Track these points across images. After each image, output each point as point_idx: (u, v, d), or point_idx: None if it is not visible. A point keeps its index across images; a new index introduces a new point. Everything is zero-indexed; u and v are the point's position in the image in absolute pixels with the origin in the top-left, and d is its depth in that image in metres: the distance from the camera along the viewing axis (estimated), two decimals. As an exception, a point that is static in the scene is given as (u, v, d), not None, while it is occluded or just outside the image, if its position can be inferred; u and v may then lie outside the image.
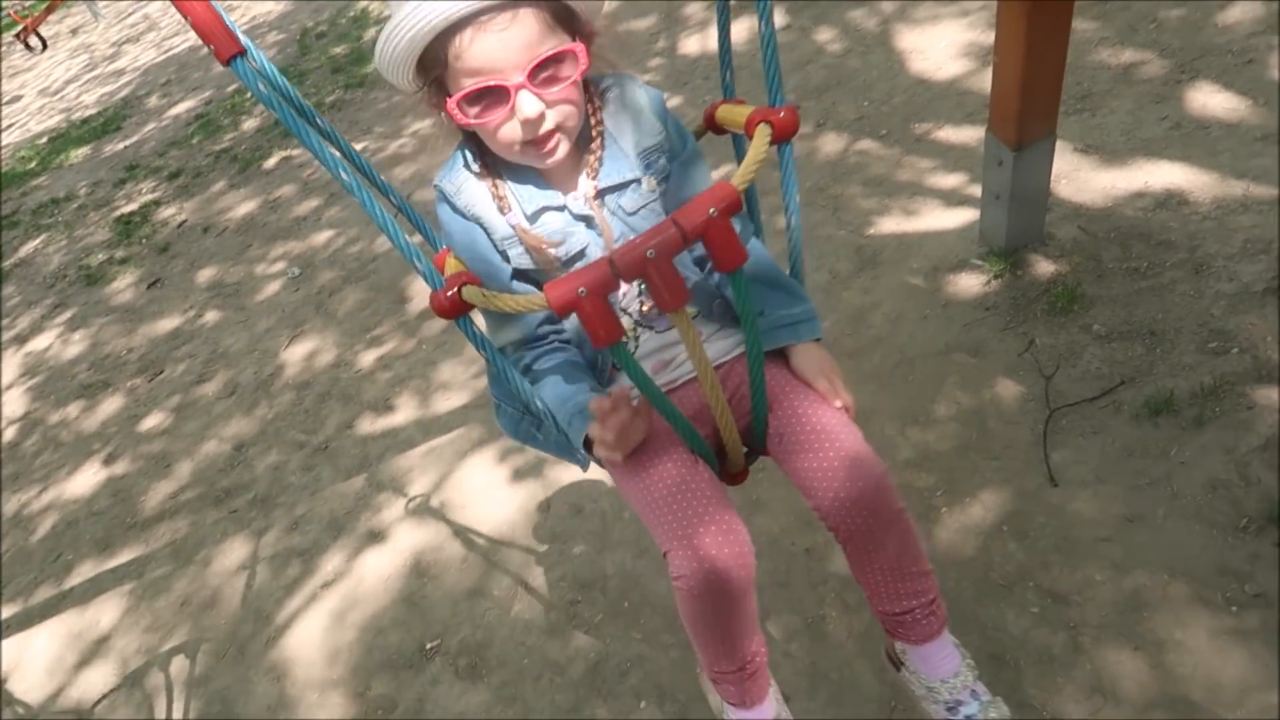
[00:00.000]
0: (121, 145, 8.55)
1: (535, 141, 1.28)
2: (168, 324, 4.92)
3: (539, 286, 1.38)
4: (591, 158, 1.40)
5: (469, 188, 1.38)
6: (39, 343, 5.33)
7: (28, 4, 22.41)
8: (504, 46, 1.19)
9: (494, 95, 1.23)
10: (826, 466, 1.35)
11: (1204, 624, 1.92)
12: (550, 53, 1.22)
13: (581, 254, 1.39)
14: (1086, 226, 2.93)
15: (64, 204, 7.55)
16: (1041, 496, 2.27)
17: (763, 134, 1.24)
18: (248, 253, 5.29)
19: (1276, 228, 2.65)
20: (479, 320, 1.32)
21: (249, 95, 8.11)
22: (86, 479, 3.91)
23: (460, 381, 3.51)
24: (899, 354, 2.81)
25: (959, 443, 2.48)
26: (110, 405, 4.40)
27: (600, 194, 1.39)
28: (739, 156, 1.67)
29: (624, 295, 1.48)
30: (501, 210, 1.38)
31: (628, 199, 1.40)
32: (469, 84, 1.22)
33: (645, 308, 1.49)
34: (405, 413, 3.48)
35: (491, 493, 2.96)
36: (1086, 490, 2.25)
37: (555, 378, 1.41)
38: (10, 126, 11.54)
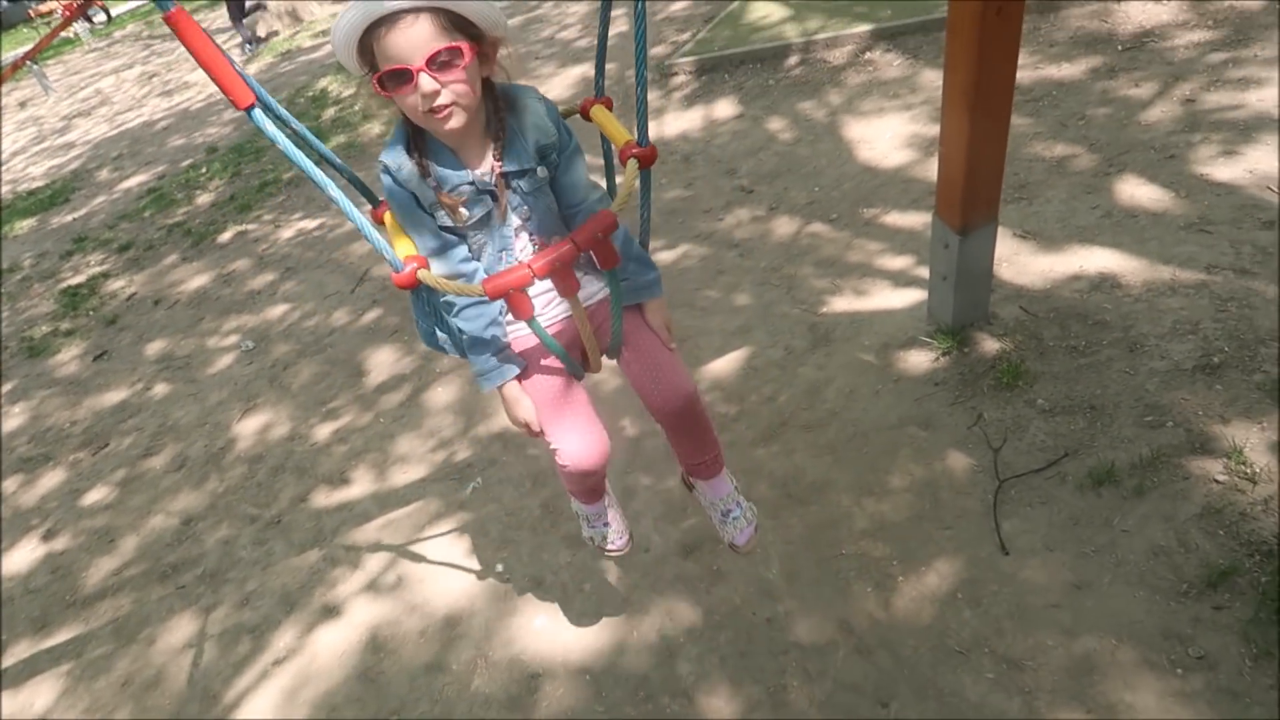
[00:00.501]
0: (70, 217, 8.47)
1: (433, 111, 1.64)
2: (114, 396, 4.83)
3: (457, 235, 1.85)
4: (497, 145, 1.79)
5: (406, 165, 1.77)
6: (-24, 415, 5.18)
7: (-25, 77, 22.22)
8: (408, 41, 1.58)
9: (402, 76, 1.60)
10: (658, 381, 1.95)
11: (1152, 687, 1.98)
12: (442, 47, 1.59)
13: (486, 218, 1.82)
14: (1028, 307, 3.08)
15: (7, 275, 7.42)
16: (994, 564, 2.34)
17: (633, 166, 1.66)
18: (199, 326, 5.25)
19: (1203, 310, 2.81)
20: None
21: (203, 170, 8.14)
22: (23, 555, 3.78)
23: (419, 455, 3.51)
24: (853, 427, 2.90)
25: (913, 513, 2.55)
26: (51, 479, 4.28)
27: (505, 175, 1.79)
28: (607, 168, 2.31)
29: (520, 253, 1.92)
30: (427, 183, 1.78)
31: (525, 182, 1.81)
32: (384, 67, 1.61)
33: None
34: (362, 486, 3.46)
35: (450, 566, 2.94)
36: (1036, 558, 2.32)
37: (471, 312, 1.87)
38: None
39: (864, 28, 5.51)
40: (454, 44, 1.59)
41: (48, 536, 3.85)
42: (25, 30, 32.47)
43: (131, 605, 3.29)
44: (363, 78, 1.69)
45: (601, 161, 2.25)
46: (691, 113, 5.62)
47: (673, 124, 5.53)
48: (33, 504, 4.13)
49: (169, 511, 3.72)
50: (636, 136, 1.65)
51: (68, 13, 19.76)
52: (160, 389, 4.74)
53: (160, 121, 11.03)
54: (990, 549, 2.39)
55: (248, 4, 14.51)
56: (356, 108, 8.32)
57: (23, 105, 16.90)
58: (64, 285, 6.65)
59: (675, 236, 4.34)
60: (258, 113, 1.34)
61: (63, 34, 21.75)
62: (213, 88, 11.76)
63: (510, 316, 1.96)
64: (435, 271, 1.84)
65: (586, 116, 1.96)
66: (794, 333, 3.42)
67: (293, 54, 12.11)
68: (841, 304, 3.48)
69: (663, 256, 4.20)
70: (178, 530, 3.58)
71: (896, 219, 3.86)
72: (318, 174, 1.43)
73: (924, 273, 3.41)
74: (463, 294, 1.63)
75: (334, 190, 1.47)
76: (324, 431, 3.86)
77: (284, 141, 1.38)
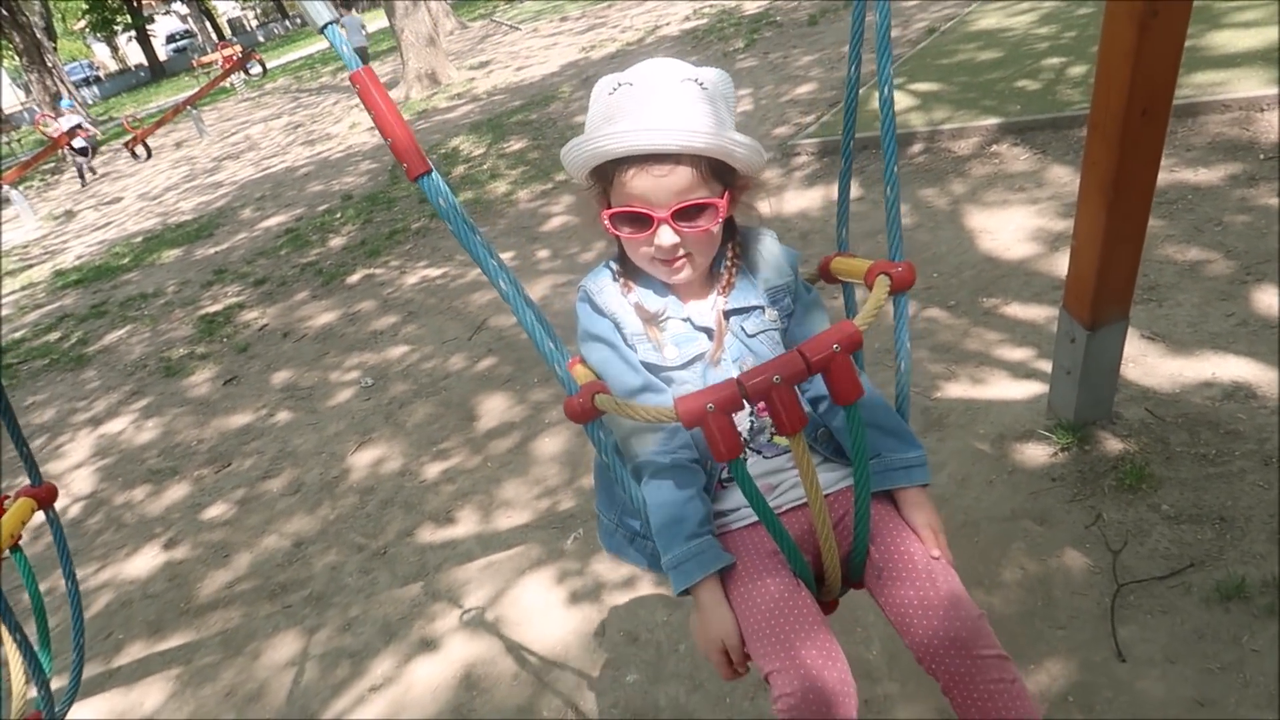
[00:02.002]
0: (212, 250, 9.05)
1: (666, 261, 1.49)
2: (240, 419, 5.10)
3: (660, 377, 1.55)
4: (725, 280, 1.59)
5: (609, 290, 1.58)
6: (113, 426, 5.53)
7: (141, 116, 24.13)
8: (658, 188, 1.42)
9: (641, 221, 1.45)
10: (924, 602, 1.40)
11: (1280, 819, 1.87)
12: (694, 201, 1.43)
13: (698, 359, 1.55)
14: (1154, 410, 3.00)
15: (151, 299, 7.95)
16: (1109, 670, 2.26)
17: (882, 284, 1.43)
18: (324, 360, 5.52)
19: (1346, 428, 2.69)
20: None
21: (338, 215, 8.61)
22: (145, 561, 4.00)
23: (523, 501, 3.59)
24: (964, 515, 2.85)
25: (1024, 609, 2.49)
26: (176, 492, 4.52)
27: (727, 314, 1.57)
28: (847, 305, 1.85)
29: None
30: (634, 310, 1.57)
31: (750, 322, 1.57)
32: (621, 204, 1.45)
33: (755, 432, 1.60)
34: (466, 526, 3.55)
35: (547, 612, 2.99)
36: (1155, 669, 2.23)
37: (665, 483, 1.48)
38: (108, 225, 12.26)
39: (992, 120, 5.53)
40: (709, 199, 1.44)
41: (169, 545, 4.06)
42: (186, 78, 35.13)
43: (241, 619, 3.43)
44: (584, 188, 1.54)
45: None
46: (812, 192, 5.70)
47: (793, 202, 5.62)
48: (158, 514, 4.37)
49: (282, 533, 3.89)
50: (889, 253, 1.46)
51: (227, 65, 21.37)
52: (283, 416, 4.98)
53: (301, 168, 11.73)
54: (1105, 654, 2.30)
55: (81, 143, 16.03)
56: (485, 166, 8.71)
57: (178, 146, 18.23)
58: (202, 312, 7.09)
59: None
60: (432, 179, 1.24)
61: (220, 84, 23.44)
62: (353, 139, 12.52)
63: (721, 502, 1.57)
64: (639, 448, 1.53)
65: (827, 275, 1.72)
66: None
67: (428, 114, 12.78)
68: (957, 390, 3.45)
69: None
70: (289, 552, 3.73)
71: (1017, 310, 3.82)
72: (487, 259, 1.29)
73: (1045, 366, 3.37)
74: (650, 418, 1.27)
75: (503, 282, 1.32)
76: (433, 470, 3.99)
77: (456, 220, 1.25)
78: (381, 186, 9.24)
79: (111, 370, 6.49)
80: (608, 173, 1.45)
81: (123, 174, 17.36)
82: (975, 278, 4.18)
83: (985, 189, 4.99)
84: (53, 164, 21.19)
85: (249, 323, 6.57)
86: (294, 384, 5.33)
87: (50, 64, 30.03)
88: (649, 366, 1.55)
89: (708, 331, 1.56)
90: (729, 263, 1.59)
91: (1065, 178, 4.80)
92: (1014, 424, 3.15)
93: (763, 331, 1.57)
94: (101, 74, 59.09)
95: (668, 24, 13.58)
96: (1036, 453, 2.99)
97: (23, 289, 10.11)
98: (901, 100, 6.41)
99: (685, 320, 1.57)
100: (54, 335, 7.82)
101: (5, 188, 14.12)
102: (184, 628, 3.49)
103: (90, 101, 42.37)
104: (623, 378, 1.52)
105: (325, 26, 1.24)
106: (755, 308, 1.57)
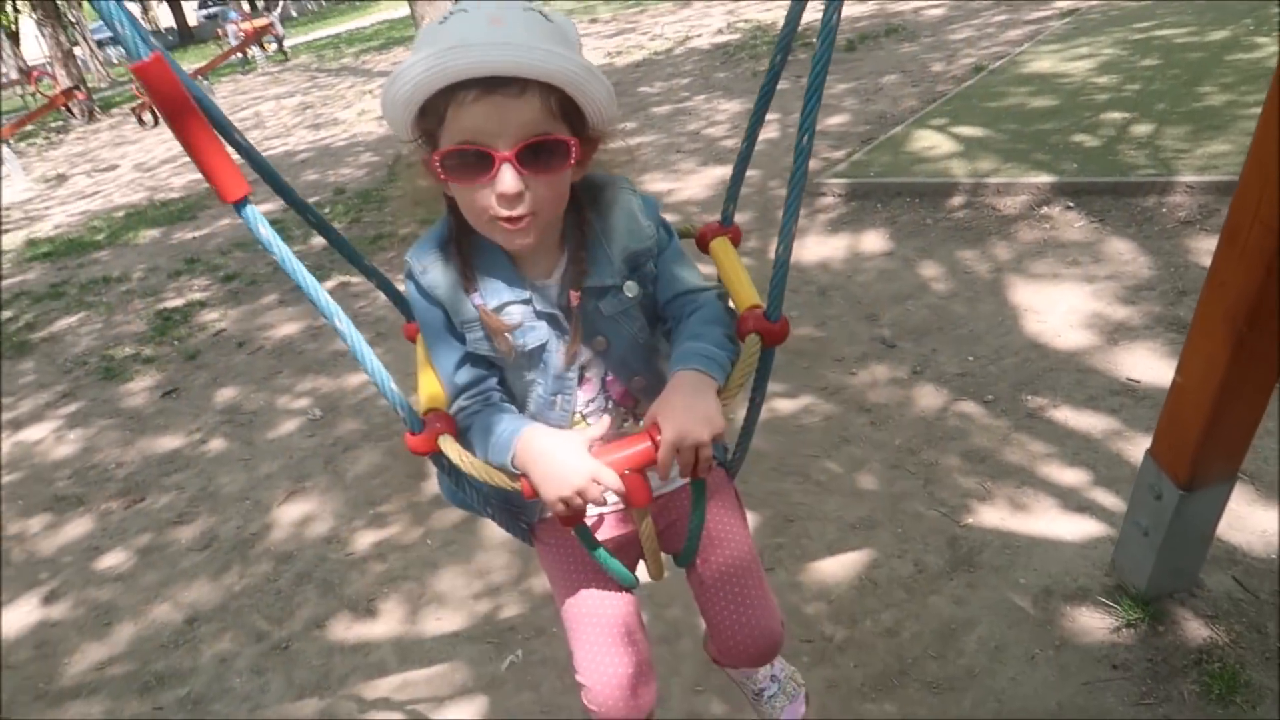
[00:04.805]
0: (190, 235, 8.48)
1: (508, 219, 1.25)
2: (168, 442, 4.50)
3: (492, 367, 1.44)
4: (579, 260, 1.38)
5: (436, 269, 1.38)
6: (33, 433, 4.94)
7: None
8: (501, 116, 1.18)
9: (478, 160, 1.21)
10: (739, 619, 1.56)
11: None
12: (544, 136, 1.21)
13: (541, 349, 1.40)
14: (1244, 580, 2.38)
15: (114, 284, 7.38)
16: None
17: (752, 344, 1.33)
18: (275, 380, 4.92)
19: None
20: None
21: (326, 211, 8.02)
22: (18, 617, 3.40)
23: (459, 598, 2.99)
24: (996, 702, 2.23)
25: None
26: (76, 528, 3.93)
27: (581, 294, 1.38)
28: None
29: (584, 402, 1.49)
30: (467, 291, 1.37)
31: (607, 303, 1.39)
32: (455, 141, 1.21)
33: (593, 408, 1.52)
34: (387, 623, 2.95)
35: (461, 768, 2.39)
36: None
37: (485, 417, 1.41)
38: (95, 194, 11.72)
39: (1044, 178, 4.92)
40: (559, 136, 1.23)
41: (49, 599, 3.47)
42: (212, 46, 34.72)
43: (101, 715, 2.83)
44: (410, 145, 1.31)
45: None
46: (835, 240, 5.09)
47: (813, 249, 5.01)
48: (49, 554, 3.78)
49: (177, 601, 3.29)
50: (766, 303, 1.35)
51: (247, 36, 20.86)
52: (216, 444, 4.39)
53: (301, 154, 11.17)
54: None
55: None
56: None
57: (186, 116, 17.67)
58: (162, 306, 6.52)
59: (797, 384, 3.78)
60: (250, 210, 1.06)
61: (244, 55, 22.95)
62: (359, 127, 11.96)
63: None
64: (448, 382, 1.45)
65: (704, 248, 1.65)
66: (929, 543, 2.79)
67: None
68: (993, 516, 2.84)
69: (779, 406, 3.63)
70: (179, 630, 3.13)
71: (1069, 417, 3.20)
72: (320, 297, 1.14)
73: (1104, 500, 2.76)
74: (488, 481, 1.30)
75: (340, 321, 1.16)
76: (364, 540, 3.39)
77: (280, 250, 1.08)
78: (377, 183, 8.65)
79: (50, 364, 5.91)
80: (439, 107, 1.21)
81: (126, 139, 16.81)
82: (1018, 367, 3.56)
83: (1033, 258, 4.37)
84: (59, 121, 20.69)
85: (206, 325, 5.98)
86: (236, 406, 4.73)
87: (74, 19, 29.60)
88: (480, 359, 1.42)
89: (550, 317, 1.39)
90: (578, 223, 1.38)
91: (1127, 254, 4.19)
92: (1065, 576, 2.54)
93: (621, 312, 1.41)
94: (130, 34, 58.56)
95: (699, 35, 13.00)
96: (1093, 623, 2.37)
97: (-10, 256, 9.56)
98: (942, 145, 5.80)
99: (525, 303, 1.38)
100: (5, 314, 7.24)
101: (-2, 145, 13.58)
102: (34, 715, 2.89)
103: (115, 61, 42.06)
104: (445, 370, 1.42)
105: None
106: (611, 287, 1.38)
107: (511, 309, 1.37)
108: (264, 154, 1.27)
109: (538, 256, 1.38)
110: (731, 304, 1.46)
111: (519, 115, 1.18)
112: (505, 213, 1.23)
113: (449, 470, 1.37)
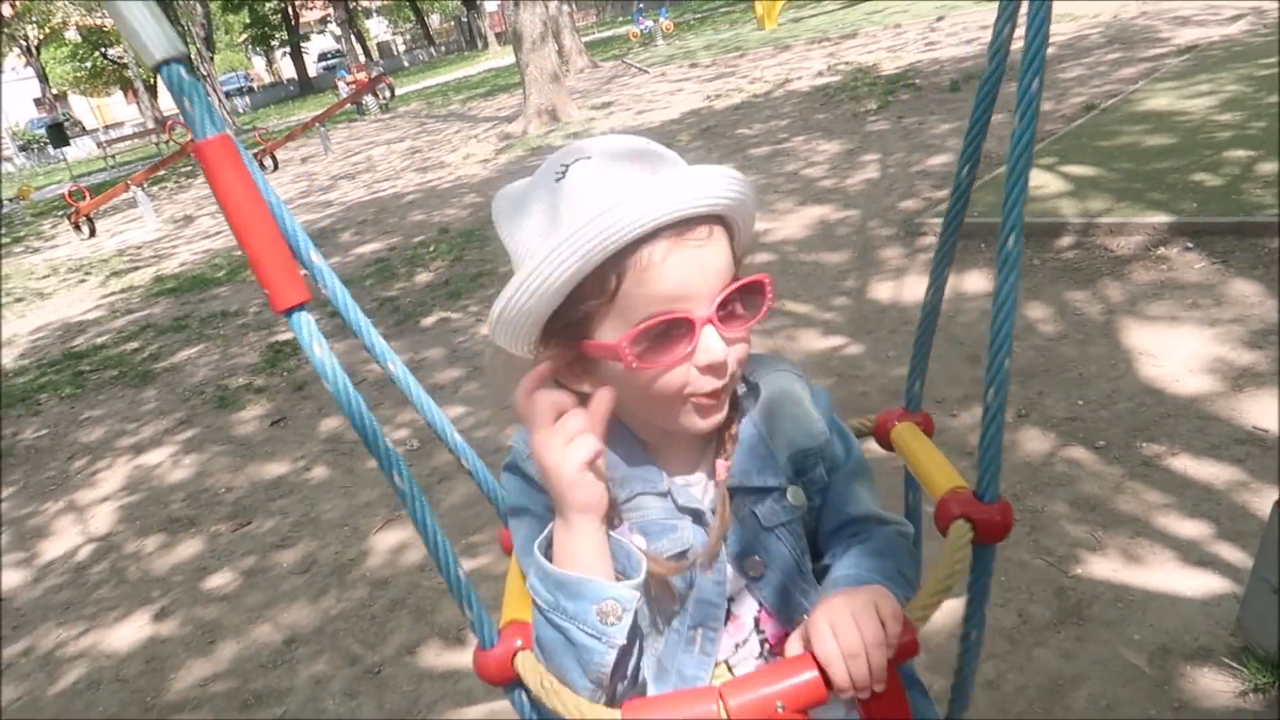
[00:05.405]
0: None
1: (710, 394, 1.00)
2: (275, 469, 4.67)
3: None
4: (726, 444, 1.10)
5: None
6: (152, 457, 5.20)
7: (273, 129, 25.01)
8: (701, 268, 0.96)
9: (675, 331, 0.97)
10: None
11: None
12: (743, 281, 1.00)
13: (682, 555, 1.07)
14: (1389, 646, 2.19)
15: (231, 318, 7.74)
16: None
17: (961, 534, 1.01)
18: (376, 411, 5.01)
19: None
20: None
21: (430, 249, 8.28)
22: (130, 632, 3.55)
23: (547, 631, 2.98)
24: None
25: None
26: (188, 548, 4.09)
27: (732, 491, 1.09)
28: (906, 484, 1.43)
29: (731, 646, 1.12)
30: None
31: (766, 510, 1.10)
32: (653, 313, 0.95)
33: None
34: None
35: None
36: None
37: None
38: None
39: (1160, 218, 4.71)
40: (754, 276, 1.01)
41: (159, 616, 3.61)
42: (330, 95, 36.53)
43: (203, 731, 2.92)
44: (530, 356, 1.07)
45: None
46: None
47: (913, 289, 4.91)
48: (161, 573, 3.94)
49: (278, 623, 3.38)
50: (978, 482, 1.05)
51: (359, 86, 21.89)
52: (318, 472, 4.53)
53: (409, 195, 11.58)
54: None
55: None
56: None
57: (304, 161, 18.61)
58: (274, 339, 6.79)
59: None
60: (303, 319, 0.87)
61: (358, 106, 24.07)
62: (463, 170, 12.36)
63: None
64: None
65: (884, 439, 1.35)
66: (1034, 593, 2.66)
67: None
68: (1104, 568, 2.69)
69: (875, 448, 3.53)
70: (277, 650, 3.22)
71: (1188, 465, 3.03)
72: (380, 444, 0.91)
73: (1228, 554, 2.58)
74: (580, 717, 0.92)
75: (400, 478, 0.92)
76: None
77: (338, 380, 0.88)
78: (480, 223, 8.89)
79: (170, 393, 6.22)
80: (603, 282, 0.95)
81: (249, 183, 17.75)
82: (1133, 413, 3.39)
83: (1149, 300, 4.18)
84: (189, 167, 22.01)
85: (314, 357, 6.21)
86: (339, 435, 4.88)
87: (205, 73, 31.61)
88: None
89: (694, 514, 1.08)
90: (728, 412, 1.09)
91: (1253, 297, 3.97)
92: (1184, 634, 2.38)
93: (782, 524, 1.11)
94: (255, 85, 62.42)
95: (799, 78, 13.01)
96: (1217, 686, 2.21)
97: (122, 291, 10.16)
98: (1051, 184, 5.63)
99: (664, 495, 1.08)
100: (131, 345, 7.68)
101: (132, 188, 14.51)
102: (142, 730, 3.00)
103: (240, 110, 44.61)
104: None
105: (161, 66, 0.78)
106: (773, 489, 1.10)
107: (643, 501, 1.07)
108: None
109: (676, 446, 1.11)
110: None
111: (716, 261, 0.98)
112: (712, 386, 1.00)
113: (531, 702, 1.06)
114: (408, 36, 73.54)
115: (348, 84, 24.02)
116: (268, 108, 47.93)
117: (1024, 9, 0.95)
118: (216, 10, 45.84)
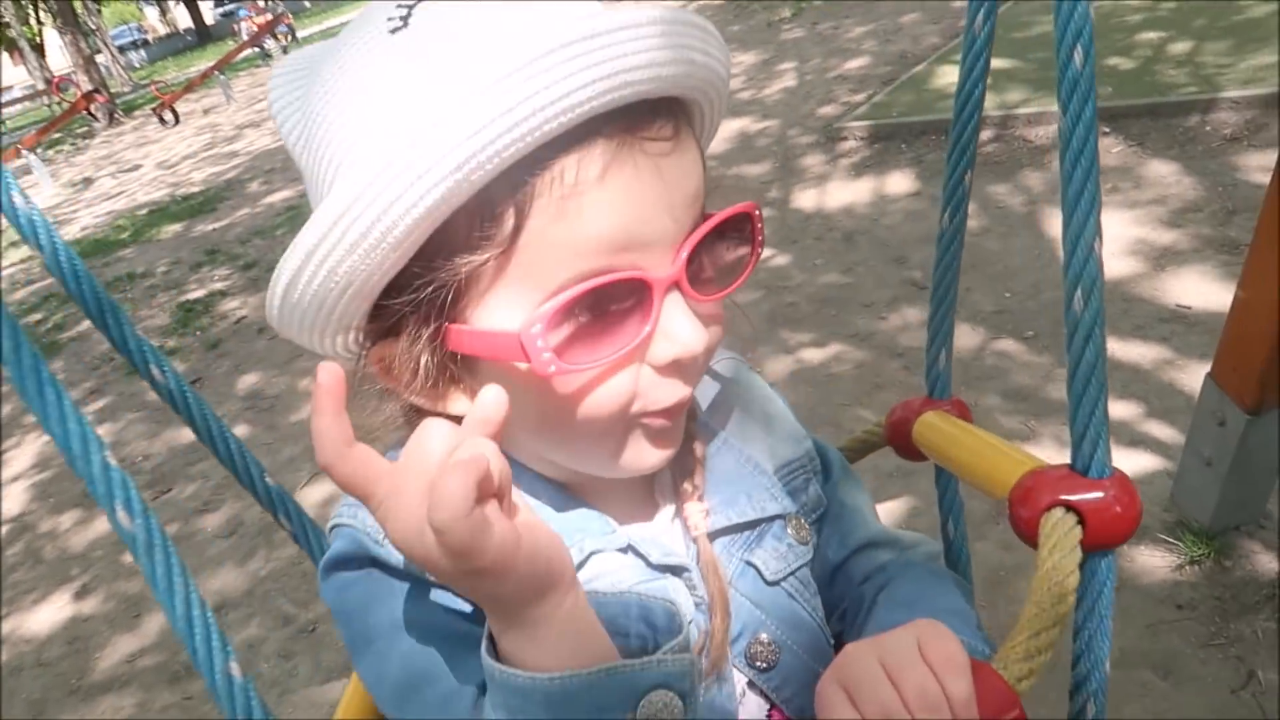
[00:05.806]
0: (211, 227, 8.47)
1: (665, 412, 0.65)
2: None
3: None
4: (693, 473, 0.74)
5: None
6: (62, 431, 4.95)
7: (172, 81, 23.83)
8: (665, 192, 0.58)
9: (621, 303, 0.60)
10: None
11: None
12: (725, 214, 0.63)
13: (684, 647, 0.62)
14: (1317, 508, 2.21)
15: (139, 280, 7.39)
16: None
17: (1063, 528, 0.66)
18: (295, 363, 4.87)
19: None
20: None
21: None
22: (50, 614, 3.38)
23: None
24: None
25: (1144, 820, 1.74)
26: (105, 523, 3.87)
27: (712, 537, 0.74)
28: (945, 518, 1.00)
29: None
30: None
31: (767, 553, 0.75)
32: (580, 273, 0.57)
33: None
34: (414, 601, 2.87)
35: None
36: None
37: None
38: (120, 194, 11.78)
39: (1078, 104, 4.68)
40: (738, 207, 0.66)
41: (80, 594, 3.45)
42: (229, 43, 34.86)
43: (133, 709, 2.79)
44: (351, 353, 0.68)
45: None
46: (859, 184, 4.91)
47: (836, 195, 4.83)
48: (79, 549, 3.76)
49: (206, 589, 3.23)
50: (1073, 451, 0.72)
51: (255, 28, 20.87)
52: (239, 430, 4.33)
53: (318, 139, 11.11)
54: None
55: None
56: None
57: (206, 112, 17.75)
58: (185, 299, 6.50)
59: (826, 332, 3.63)
60: None
61: (260, 49, 22.98)
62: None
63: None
64: None
65: (901, 441, 0.97)
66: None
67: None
68: (1038, 455, 2.68)
69: (808, 356, 3.49)
70: (206, 617, 3.09)
71: (1116, 348, 3.02)
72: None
73: (1159, 432, 2.59)
74: None
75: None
76: (389, 519, 3.32)
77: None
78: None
79: (78, 363, 5.92)
80: (494, 216, 0.56)
81: (149, 139, 16.91)
82: (1058, 301, 3.33)
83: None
84: (84, 128, 20.88)
85: (227, 313, 5.95)
86: (259, 391, 4.69)
87: (94, 26, 29.87)
88: None
89: (675, 571, 0.71)
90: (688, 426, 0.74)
91: (1170, 177, 3.97)
92: (1119, 515, 2.38)
93: (792, 572, 0.76)
94: (150, 37, 59.25)
95: (711, -9, 12.69)
96: (1154, 563, 2.22)
97: (22, 262, 9.64)
98: (968, 78, 5.56)
99: (624, 551, 0.69)
100: (35, 316, 7.30)
101: (23, 152, 13.69)
102: (68, 713, 2.86)
103: (136, 65, 42.43)
104: (464, 703, 0.62)
105: None
106: (773, 519, 0.76)
107: (601, 563, 0.69)
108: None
109: (613, 486, 0.72)
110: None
111: (684, 183, 0.62)
112: (674, 397, 0.65)
113: None
114: (307, -25, 70.19)
115: (250, 25, 22.88)
116: (165, 60, 45.57)
117: None
118: (98, -42, 43.13)
